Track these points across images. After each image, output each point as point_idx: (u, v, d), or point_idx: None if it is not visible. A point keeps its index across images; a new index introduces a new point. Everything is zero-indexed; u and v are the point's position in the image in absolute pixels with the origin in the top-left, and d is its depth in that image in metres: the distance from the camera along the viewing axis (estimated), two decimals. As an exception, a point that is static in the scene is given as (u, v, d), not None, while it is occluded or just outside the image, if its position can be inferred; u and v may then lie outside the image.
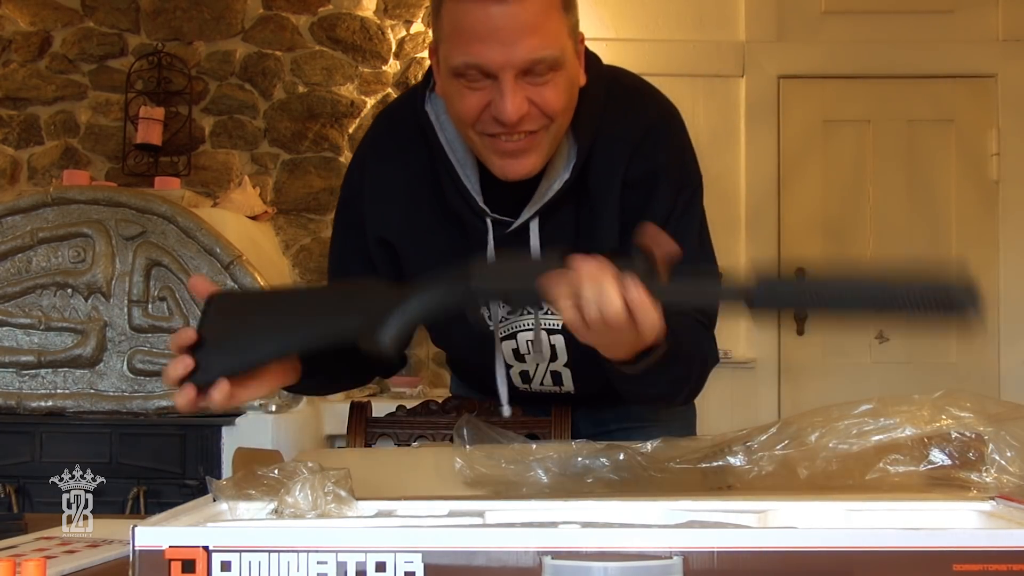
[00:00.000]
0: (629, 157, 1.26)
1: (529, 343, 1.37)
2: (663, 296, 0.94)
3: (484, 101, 1.13)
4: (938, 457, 0.96)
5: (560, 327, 1.32)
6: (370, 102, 3.68)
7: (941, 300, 0.83)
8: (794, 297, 0.93)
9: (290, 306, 1.06)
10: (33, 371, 2.93)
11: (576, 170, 1.24)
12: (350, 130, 3.67)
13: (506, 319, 1.34)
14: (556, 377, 1.41)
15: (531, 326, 1.34)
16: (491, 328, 1.34)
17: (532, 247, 1.27)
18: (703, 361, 1.29)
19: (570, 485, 1.01)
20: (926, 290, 0.84)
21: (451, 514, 0.88)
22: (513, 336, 1.36)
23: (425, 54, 3.66)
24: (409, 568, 0.69)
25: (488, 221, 1.26)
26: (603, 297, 0.93)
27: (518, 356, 1.40)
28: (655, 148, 1.27)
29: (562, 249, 0.98)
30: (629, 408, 1.54)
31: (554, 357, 1.38)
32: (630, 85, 1.34)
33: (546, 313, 1.31)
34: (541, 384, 1.44)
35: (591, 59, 1.27)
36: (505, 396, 1.42)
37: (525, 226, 1.27)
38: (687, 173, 1.31)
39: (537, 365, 1.40)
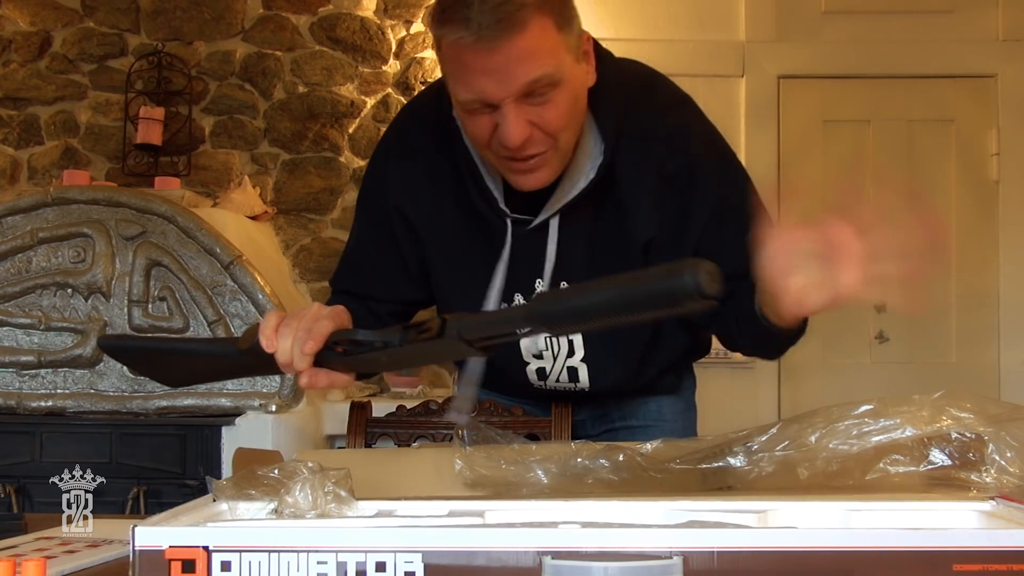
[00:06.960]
0: (663, 153, 1.28)
1: (547, 339, 1.38)
2: None
3: (491, 126, 1.18)
4: (938, 457, 0.96)
5: None
6: (370, 102, 3.68)
7: (665, 288, 0.78)
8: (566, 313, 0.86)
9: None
10: (33, 371, 2.92)
11: (603, 168, 1.26)
12: (350, 130, 3.67)
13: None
14: (572, 373, 1.42)
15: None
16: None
17: (549, 244, 1.30)
18: None
19: (570, 485, 1.00)
20: (653, 283, 0.80)
21: (451, 514, 0.88)
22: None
23: (426, 54, 3.66)
24: (409, 568, 0.69)
25: (507, 221, 1.30)
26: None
27: (536, 354, 1.41)
28: (686, 141, 1.30)
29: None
30: (635, 408, 1.55)
31: (571, 352, 1.39)
32: (641, 74, 1.36)
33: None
34: (557, 381, 1.44)
35: (603, 56, 1.28)
36: None
37: (544, 224, 1.30)
38: (725, 160, 1.34)
39: (554, 361, 1.41)
